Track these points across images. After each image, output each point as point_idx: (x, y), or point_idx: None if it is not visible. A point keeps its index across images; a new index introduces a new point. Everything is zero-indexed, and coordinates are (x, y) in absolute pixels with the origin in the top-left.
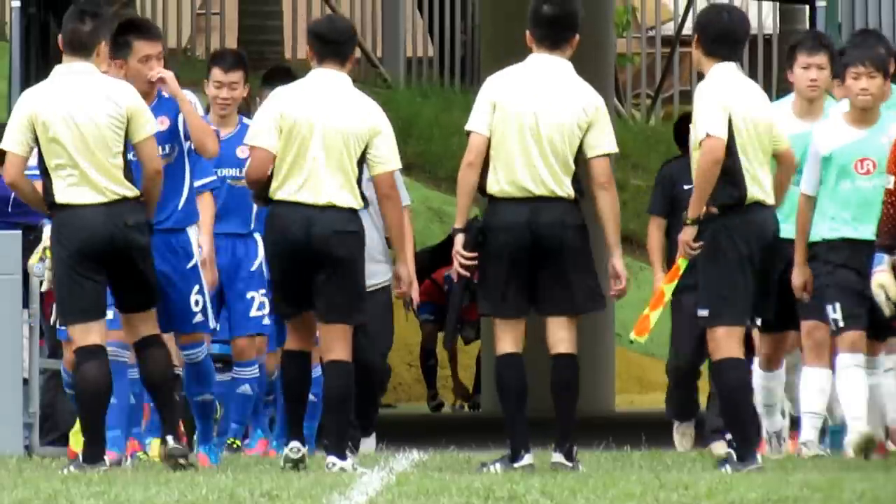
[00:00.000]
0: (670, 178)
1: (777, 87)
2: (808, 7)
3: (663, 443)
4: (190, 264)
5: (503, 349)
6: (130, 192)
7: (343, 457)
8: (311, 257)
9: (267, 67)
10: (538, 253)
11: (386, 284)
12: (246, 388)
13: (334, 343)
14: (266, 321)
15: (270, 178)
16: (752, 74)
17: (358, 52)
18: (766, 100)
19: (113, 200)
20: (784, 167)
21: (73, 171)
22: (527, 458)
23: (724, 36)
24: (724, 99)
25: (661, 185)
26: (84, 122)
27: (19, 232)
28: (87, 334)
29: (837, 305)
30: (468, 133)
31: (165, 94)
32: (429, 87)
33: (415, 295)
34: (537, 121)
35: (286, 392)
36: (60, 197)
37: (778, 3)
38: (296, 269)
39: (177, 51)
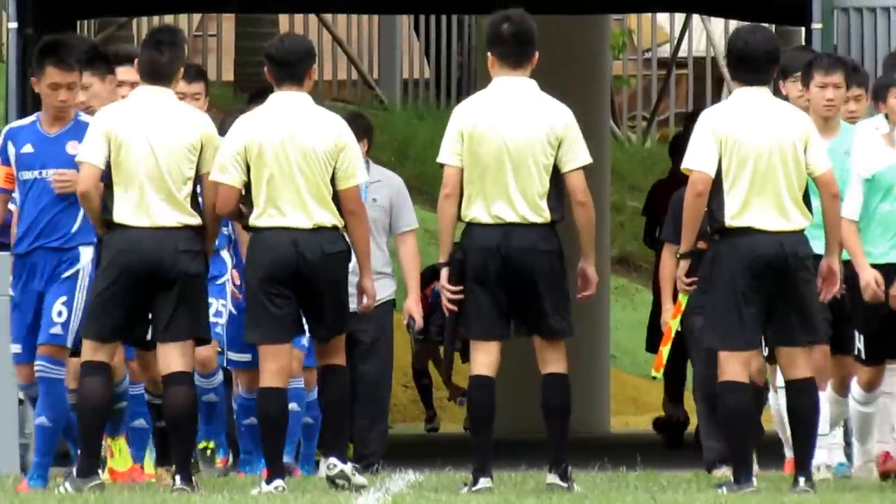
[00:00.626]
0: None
1: None
2: (803, 29)
3: (658, 464)
4: (66, 274)
5: (475, 371)
6: (193, 220)
7: (344, 459)
8: (301, 279)
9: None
10: (510, 277)
11: (389, 299)
12: (211, 397)
13: (331, 351)
14: (219, 329)
15: (240, 208)
16: None
17: (355, 74)
18: (796, 124)
19: (171, 226)
20: (823, 194)
21: (138, 192)
22: (482, 483)
23: (743, 59)
24: (716, 127)
25: (674, 210)
26: (159, 146)
27: (7, 253)
28: (95, 351)
29: (863, 338)
30: (441, 165)
31: (82, 119)
32: (425, 108)
33: (418, 318)
34: (506, 145)
35: (268, 430)
36: (119, 216)
37: (773, 26)
38: (284, 292)
39: None
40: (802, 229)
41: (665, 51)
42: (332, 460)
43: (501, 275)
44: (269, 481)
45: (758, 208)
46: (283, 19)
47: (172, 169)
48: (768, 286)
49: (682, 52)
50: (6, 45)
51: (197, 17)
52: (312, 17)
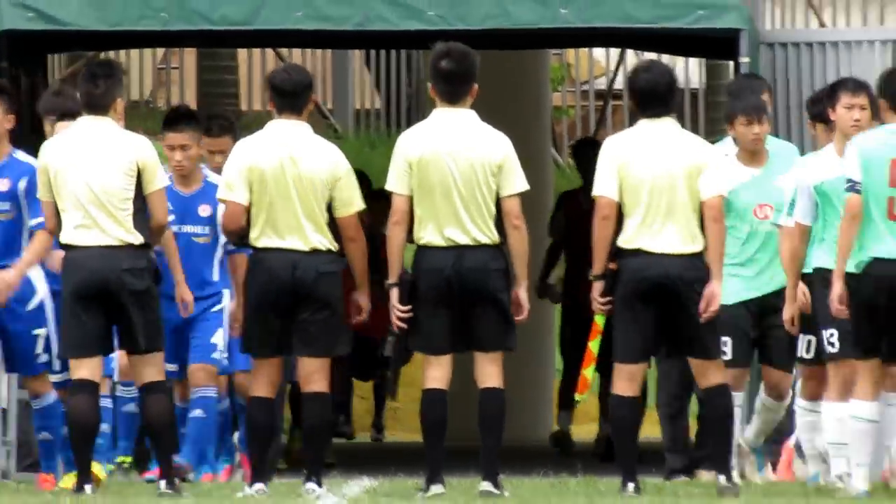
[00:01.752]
0: None
1: (704, 139)
2: (732, 63)
3: (597, 471)
4: (30, 306)
5: (428, 385)
6: (135, 238)
7: (320, 484)
8: (296, 297)
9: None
10: (463, 294)
11: None
12: (131, 407)
13: (313, 375)
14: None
15: (246, 226)
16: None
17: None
18: (690, 153)
19: (113, 245)
20: (705, 217)
21: (78, 214)
22: (434, 489)
23: (647, 93)
24: (615, 157)
25: None
26: (94, 170)
27: None
28: (77, 369)
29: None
30: (389, 193)
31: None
32: (376, 137)
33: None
34: (452, 173)
35: (255, 437)
36: (65, 237)
37: (704, 59)
38: (279, 310)
39: (139, 102)
40: (693, 253)
41: (602, 83)
42: (310, 486)
43: (455, 293)
44: (251, 484)
45: (649, 232)
46: (242, 53)
47: (109, 191)
48: (659, 305)
49: (618, 85)
50: None
51: (160, 51)
52: (269, 52)
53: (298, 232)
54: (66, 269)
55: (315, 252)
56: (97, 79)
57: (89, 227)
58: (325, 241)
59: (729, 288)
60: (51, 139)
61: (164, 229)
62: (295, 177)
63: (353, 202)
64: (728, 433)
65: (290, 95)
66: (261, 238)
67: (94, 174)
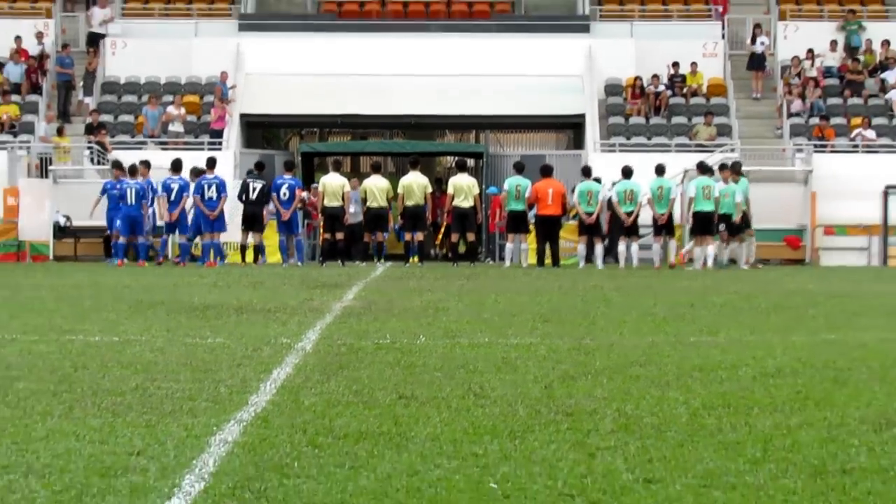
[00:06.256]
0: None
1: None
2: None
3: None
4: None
5: (415, 240)
6: (340, 203)
7: (381, 261)
8: (376, 219)
9: None
10: (413, 216)
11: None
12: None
13: (378, 233)
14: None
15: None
16: None
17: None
18: (471, 181)
19: (336, 205)
20: (475, 198)
21: (328, 197)
22: (410, 261)
23: (460, 166)
24: (453, 184)
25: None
26: (330, 186)
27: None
28: (331, 234)
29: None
30: (397, 193)
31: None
32: (397, 178)
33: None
34: (415, 188)
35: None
36: (326, 203)
37: (474, 159)
38: (371, 224)
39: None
40: (472, 206)
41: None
42: (378, 263)
43: (410, 216)
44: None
45: (461, 201)
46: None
47: (334, 191)
48: (463, 221)
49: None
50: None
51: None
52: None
53: (379, 201)
54: (325, 215)
55: (380, 206)
56: (339, 165)
57: (332, 200)
58: (385, 204)
59: None
60: (325, 176)
61: (350, 197)
62: (375, 187)
63: (390, 194)
64: (473, 257)
65: (377, 167)
66: (370, 204)
67: (330, 187)
